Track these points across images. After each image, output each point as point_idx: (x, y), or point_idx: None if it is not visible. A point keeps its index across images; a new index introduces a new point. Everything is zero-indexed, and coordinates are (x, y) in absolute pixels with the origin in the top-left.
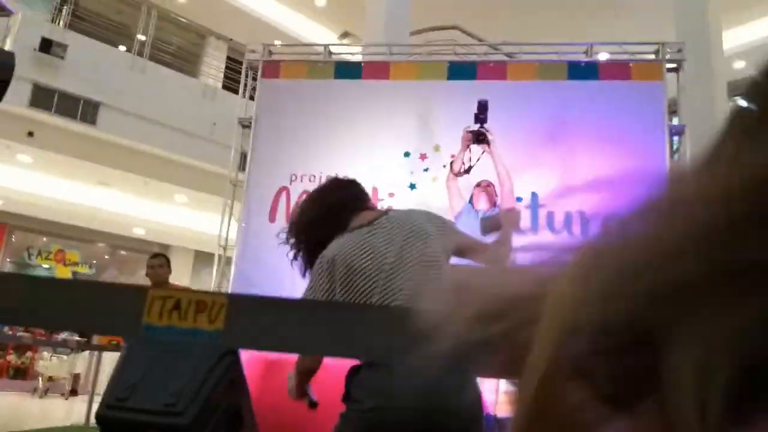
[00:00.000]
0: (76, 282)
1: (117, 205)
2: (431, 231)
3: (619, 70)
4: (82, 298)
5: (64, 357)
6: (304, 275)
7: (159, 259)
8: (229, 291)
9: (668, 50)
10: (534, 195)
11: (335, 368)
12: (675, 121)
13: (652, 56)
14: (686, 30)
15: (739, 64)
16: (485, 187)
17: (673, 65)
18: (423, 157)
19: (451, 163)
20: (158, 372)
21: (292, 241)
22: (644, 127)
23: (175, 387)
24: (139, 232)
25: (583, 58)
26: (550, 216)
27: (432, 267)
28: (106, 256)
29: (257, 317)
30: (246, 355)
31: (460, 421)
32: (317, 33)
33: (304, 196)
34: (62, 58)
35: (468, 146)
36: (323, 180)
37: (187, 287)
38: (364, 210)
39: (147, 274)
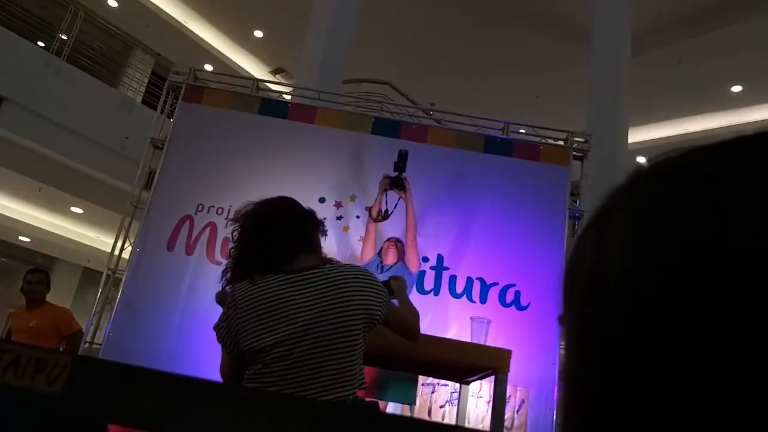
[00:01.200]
0: None
1: (3, 208)
2: (358, 301)
3: (530, 150)
4: None
5: None
6: (220, 293)
7: (37, 275)
8: (111, 317)
9: (577, 139)
10: (439, 257)
11: None
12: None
13: (562, 142)
14: (596, 123)
15: (641, 159)
16: (395, 242)
17: (580, 153)
18: (338, 205)
19: (370, 208)
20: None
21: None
22: (547, 207)
23: None
24: (24, 239)
25: (499, 134)
26: (453, 279)
27: (339, 340)
28: None
29: (102, 384)
30: None
31: None
32: (250, 64)
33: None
34: None
35: (385, 191)
36: (230, 214)
37: (63, 312)
38: (303, 253)
39: (22, 290)
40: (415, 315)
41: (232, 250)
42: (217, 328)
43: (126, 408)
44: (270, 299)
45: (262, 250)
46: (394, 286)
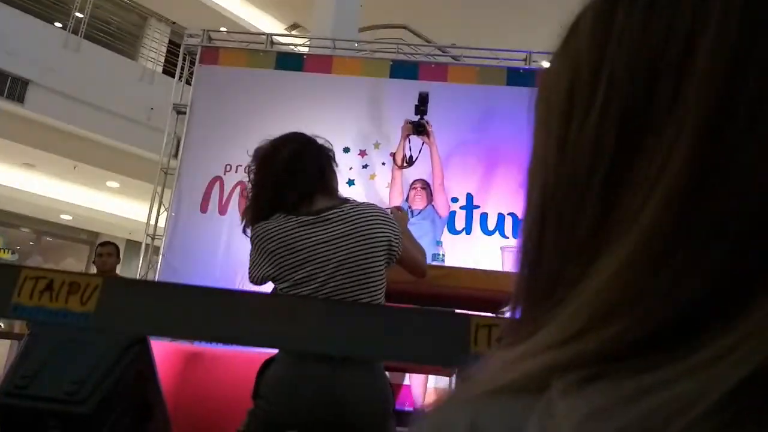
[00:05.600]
0: None
1: (43, 188)
2: (382, 238)
3: None
4: None
5: None
6: (244, 231)
7: (108, 247)
8: (155, 280)
9: None
10: (469, 196)
11: (249, 364)
12: None
13: None
14: None
15: None
16: (421, 185)
17: None
18: (362, 153)
19: (394, 155)
20: (60, 361)
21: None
22: None
23: (77, 376)
24: (66, 218)
25: (522, 65)
26: (484, 217)
27: (367, 277)
28: (31, 243)
29: (131, 301)
30: (164, 348)
31: (362, 417)
32: (266, 23)
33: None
34: None
35: (407, 136)
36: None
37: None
38: (319, 193)
39: (94, 263)
40: (420, 250)
41: (249, 192)
42: (251, 278)
43: (157, 321)
44: (288, 241)
45: (280, 193)
46: (395, 218)
